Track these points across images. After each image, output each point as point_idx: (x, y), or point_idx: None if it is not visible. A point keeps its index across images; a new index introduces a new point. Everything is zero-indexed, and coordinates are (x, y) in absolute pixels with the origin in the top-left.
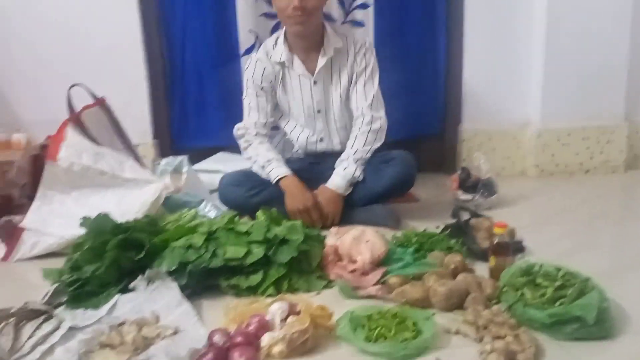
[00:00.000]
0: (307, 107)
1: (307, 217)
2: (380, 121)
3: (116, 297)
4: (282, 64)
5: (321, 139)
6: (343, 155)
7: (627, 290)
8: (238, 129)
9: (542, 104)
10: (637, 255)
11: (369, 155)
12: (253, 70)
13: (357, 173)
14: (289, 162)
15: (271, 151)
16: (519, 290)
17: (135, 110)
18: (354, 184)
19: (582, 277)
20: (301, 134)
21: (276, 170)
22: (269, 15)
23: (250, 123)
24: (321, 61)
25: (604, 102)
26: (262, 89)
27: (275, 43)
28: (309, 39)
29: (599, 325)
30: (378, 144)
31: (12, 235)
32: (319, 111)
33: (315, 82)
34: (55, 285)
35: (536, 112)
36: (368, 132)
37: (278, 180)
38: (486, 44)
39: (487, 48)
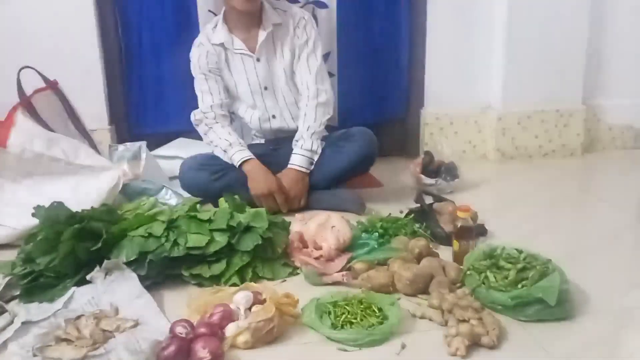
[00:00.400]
0: (252, 85)
1: (272, 201)
2: (326, 94)
3: (72, 289)
4: (222, 46)
5: (273, 116)
6: (297, 135)
7: (586, 272)
8: (195, 115)
9: (503, 87)
10: (595, 237)
11: (321, 128)
12: (197, 55)
13: (315, 147)
14: (250, 147)
15: (232, 134)
16: (483, 273)
17: (90, 94)
18: (315, 162)
19: (543, 259)
20: (253, 115)
21: (238, 154)
22: None
23: (206, 107)
24: (261, 36)
25: (562, 86)
26: (209, 71)
27: (215, 26)
28: (250, 17)
29: (560, 307)
30: (328, 117)
31: None
32: (265, 88)
33: (258, 59)
34: (7, 278)
35: (497, 95)
36: (316, 107)
37: (241, 164)
38: (448, 28)
39: (449, 31)
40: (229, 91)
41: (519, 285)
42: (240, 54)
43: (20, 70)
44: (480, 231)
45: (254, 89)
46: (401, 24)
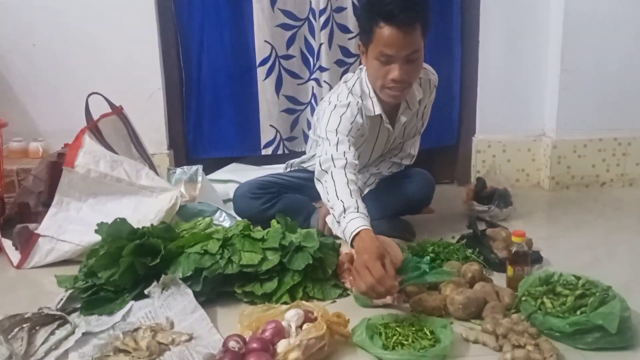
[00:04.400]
0: (376, 150)
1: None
2: (411, 159)
3: (131, 303)
4: (378, 117)
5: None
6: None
7: None
8: (322, 163)
9: (558, 114)
10: None
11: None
12: (350, 118)
13: (370, 181)
14: (299, 171)
15: (354, 195)
16: (539, 299)
17: (152, 120)
18: (371, 198)
19: (603, 286)
20: None
21: (353, 223)
22: (285, 26)
23: (339, 153)
24: (405, 115)
25: (620, 114)
26: (352, 135)
27: (362, 92)
28: None
29: (621, 335)
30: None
31: (28, 242)
32: (381, 155)
33: (393, 131)
34: (70, 291)
35: (551, 123)
36: (397, 164)
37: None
38: (501, 55)
39: (502, 58)
40: None
41: (578, 312)
42: (384, 124)
43: (88, 96)
44: (536, 258)
45: (374, 154)
46: (454, 50)
